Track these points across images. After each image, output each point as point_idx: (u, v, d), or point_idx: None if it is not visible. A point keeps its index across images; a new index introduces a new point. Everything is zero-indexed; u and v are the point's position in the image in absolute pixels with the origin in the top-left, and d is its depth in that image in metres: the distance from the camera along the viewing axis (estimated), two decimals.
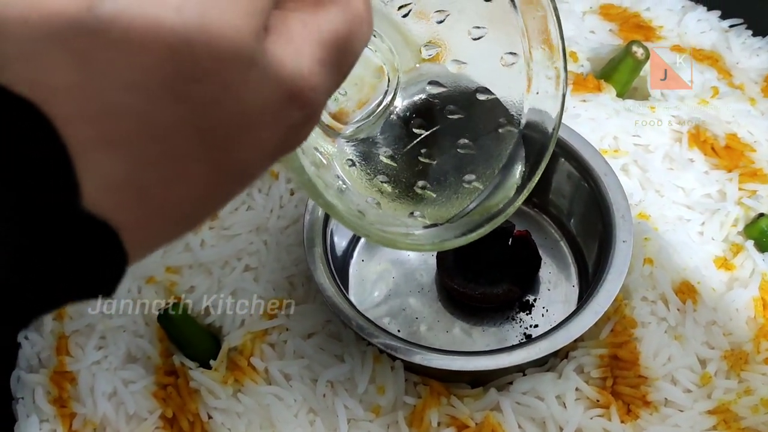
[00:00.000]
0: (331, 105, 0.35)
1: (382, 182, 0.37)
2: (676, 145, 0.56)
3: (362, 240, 0.55)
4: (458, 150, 0.38)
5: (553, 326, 0.45)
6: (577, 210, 0.53)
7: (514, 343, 0.46)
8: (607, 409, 0.45)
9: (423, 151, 0.37)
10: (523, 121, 0.37)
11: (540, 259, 0.52)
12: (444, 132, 0.38)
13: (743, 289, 0.48)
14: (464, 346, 0.50)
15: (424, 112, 0.37)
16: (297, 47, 0.19)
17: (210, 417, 0.46)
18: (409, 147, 0.37)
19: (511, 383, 0.46)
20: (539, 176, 0.37)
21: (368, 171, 0.37)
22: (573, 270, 0.53)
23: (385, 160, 0.37)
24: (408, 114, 0.37)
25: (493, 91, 0.37)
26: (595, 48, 0.63)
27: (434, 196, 0.37)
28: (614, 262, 0.46)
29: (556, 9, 0.33)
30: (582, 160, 0.51)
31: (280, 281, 0.51)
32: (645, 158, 0.54)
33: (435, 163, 0.38)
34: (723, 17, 0.66)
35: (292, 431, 0.45)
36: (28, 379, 0.49)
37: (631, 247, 0.47)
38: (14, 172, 0.15)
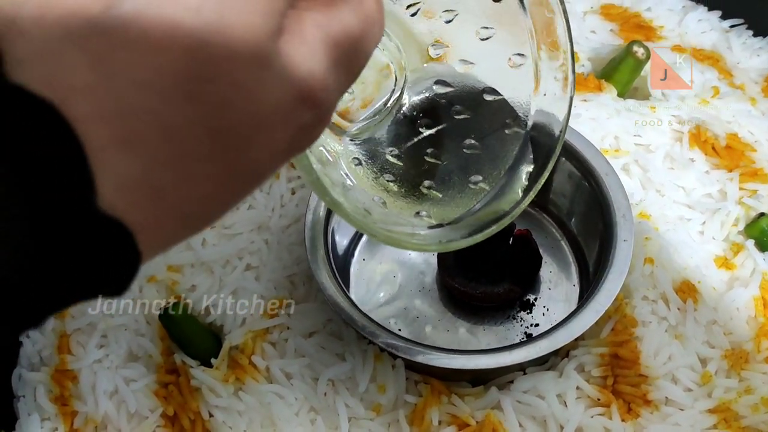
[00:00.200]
0: (338, 103, 0.35)
1: (388, 181, 0.37)
2: (676, 144, 0.56)
3: (363, 239, 0.55)
4: (464, 150, 0.38)
5: (553, 325, 0.45)
6: (578, 209, 0.53)
7: (515, 342, 0.46)
8: (608, 407, 0.45)
9: (429, 150, 0.37)
10: (530, 123, 0.37)
11: (541, 258, 0.52)
12: (450, 132, 0.38)
13: (744, 289, 0.48)
14: (465, 345, 0.50)
15: (430, 111, 0.37)
16: (310, 48, 0.19)
17: (211, 415, 0.46)
18: (415, 146, 0.37)
19: (511, 382, 0.46)
20: (545, 178, 0.37)
21: (374, 169, 0.37)
22: (574, 269, 0.53)
23: (391, 158, 0.37)
24: (414, 113, 0.37)
25: (500, 92, 0.36)
26: (596, 48, 0.63)
27: (440, 195, 0.37)
28: (615, 262, 0.46)
29: (565, 11, 0.33)
30: (583, 160, 0.51)
31: (281, 280, 0.51)
32: (646, 158, 0.54)
33: (441, 162, 0.38)
34: (724, 17, 0.66)
35: (293, 430, 0.45)
36: (30, 377, 0.49)
37: (632, 246, 0.47)
38: (31, 171, 0.15)
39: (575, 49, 0.61)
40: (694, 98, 0.58)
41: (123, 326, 0.50)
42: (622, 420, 0.44)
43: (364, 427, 0.45)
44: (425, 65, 0.37)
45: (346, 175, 0.35)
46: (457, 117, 0.37)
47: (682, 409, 0.45)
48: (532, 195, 0.37)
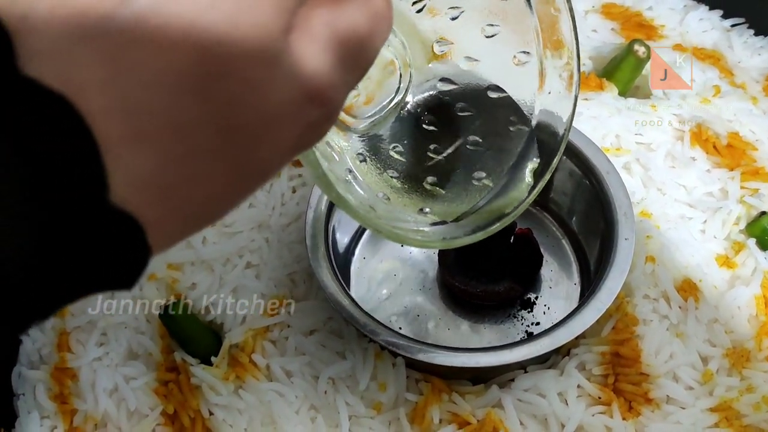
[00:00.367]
0: None
1: (391, 177, 0.37)
2: (678, 143, 0.56)
3: (364, 238, 0.55)
4: (468, 147, 0.38)
5: (554, 323, 0.45)
6: (579, 208, 0.53)
7: (516, 340, 0.46)
8: (609, 406, 0.45)
9: (432, 147, 0.37)
10: (534, 122, 0.36)
11: (542, 257, 0.52)
12: (454, 129, 0.38)
13: (745, 287, 0.48)
14: (466, 343, 0.50)
15: (434, 108, 0.37)
16: (319, 45, 0.19)
17: (211, 413, 0.46)
18: (418, 143, 0.37)
19: (512, 380, 0.46)
20: (549, 177, 0.37)
21: (378, 166, 0.36)
22: (575, 268, 0.53)
23: (394, 155, 0.37)
24: (418, 110, 0.37)
25: (504, 90, 0.36)
26: (597, 47, 0.63)
27: (443, 192, 0.37)
28: (616, 260, 0.46)
29: (571, 9, 0.33)
30: (584, 158, 0.51)
31: (282, 278, 0.51)
32: (647, 156, 0.54)
33: (444, 159, 0.38)
34: (725, 16, 0.66)
35: (293, 428, 0.45)
36: (29, 375, 0.49)
37: (633, 244, 0.47)
38: (45, 164, 0.15)
39: None
40: (695, 97, 0.58)
41: (123, 324, 0.50)
42: (623, 418, 0.44)
43: (365, 425, 0.45)
44: (429, 65, 0.36)
45: (350, 170, 0.35)
46: (461, 114, 0.37)
47: (683, 408, 0.45)
48: (535, 193, 0.37)
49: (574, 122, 0.53)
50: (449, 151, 0.38)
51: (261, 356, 0.47)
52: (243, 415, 0.46)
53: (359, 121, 0.36)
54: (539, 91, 0.36)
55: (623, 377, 0.45)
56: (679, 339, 0.47)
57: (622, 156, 0.54)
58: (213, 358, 0.48)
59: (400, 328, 0.50)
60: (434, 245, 0.40)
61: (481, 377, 0.46)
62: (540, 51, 0.35)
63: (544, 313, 0.51)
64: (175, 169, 0.18)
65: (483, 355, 0.44)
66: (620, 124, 0.56)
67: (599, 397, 0.45)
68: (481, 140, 0.37)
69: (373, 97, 0.35)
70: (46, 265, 0.16)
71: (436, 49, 0.36)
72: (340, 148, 0.35)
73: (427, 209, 0.37)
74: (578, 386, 0.45)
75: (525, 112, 0.36)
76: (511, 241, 0.50)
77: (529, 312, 0.51)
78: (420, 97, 0.37)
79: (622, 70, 0.59)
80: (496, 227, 0.36)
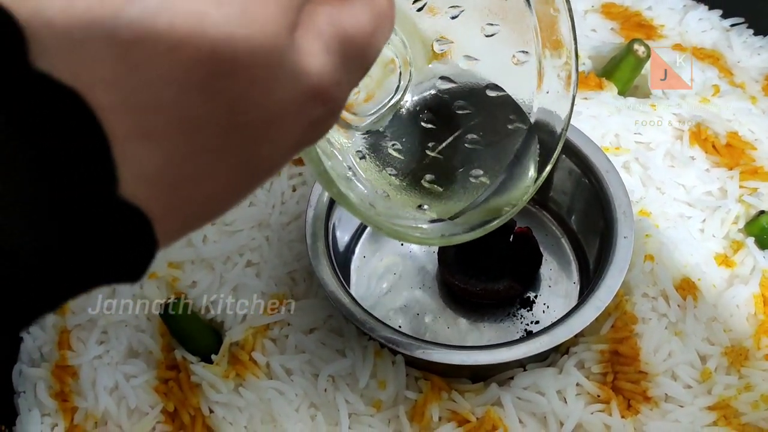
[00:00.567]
0: None
1: (390, 174, 0.37)
2: (677, 142, 0.56)
3: (364, 236, 0.55)
4: (466, 145, 0.38)
5: (553, 321, 0.45)
6: (578, 207, 0.53)
7: (515, 338, 0.46)
8: (608, 404, 0.45)
9: (430, 144, 0.38)
10: (532, 120, 0.37)
11: (541, 255, 0.52)
12: (452, 126, 0.38)
13: (744, 286, 0.48)
14: (465, 341, 0.50)
15: (433, 106, 0.37)
16: (323, 43, 0.19)
17: (211, 411, 0.46)
18: (416, 140, 0.37)
19: (511, 378, 0.46)
20: (547, 175, 0.37)
21: (377, 163, 0.37)
22: (574, 267, 0.53)
23: (393, 153, 0.37)
24: (417, 108, 0.37)
25: (503, 88, 0.37)
26: (597, 46, 0.63)
27: (441, 189, 0.38)
28: (615, 258, 0.46)
29: (570, 10, 0.33)
30: (583, 157, 0.51)
31: (282, 277, 0.51)
32: (646, 156, 0.54)
33: (443, 157, 0.38)
34: (724, 16, 0.66)
35: (293, 426, 0.45)
36: (30, 373, 0.49)
37: (632, 243, 0.47)
38: (56, 157, 0.15)
39: None
40: (694, 96, 0.59)
41: (123, 322, 0.50)
42: (622, 416, 0.44)
43: (365, 423, 0.45)
44: (429, 66, 0.37)
45: (350, 168, 0.35)
46: (459, 112, 0.37)
47: (681, 406, 0.45)
48: (533, 191, 0.37)
49: (573, 121, 0.53)
50: (447, 149, 0.38)
51: (261, 354, 0.47)
52: (243, 412, 0.46)
53: (359, 118, 0.36)
54: (538, 91, 0.36)
55: (622, 375, 0.46)
56: (678, 337, 0.47)
57: (621, 155, 0.54)
58: (213, 356, 0.48)
59: (400, 326, 0.50)
60: (433, 242, 0.40)
61: (480, 375, 0.47)
62: (539, 50, 0.35)
63: (544, 311, 0.51)
64: (180, 165, 0.18)
65: (482, 353, 0.44)
66: (620, 124, 0.56)
67: (598, 396, 0.45)
68: (479, 138, 0.38)
69: (374, 94, 0.36)
70: (56, 257, 0.16)
71: (436, 47, 0.36)
72: (340, 145, 0.35)
73: (426, 206, 0.37)
74: (577, 384, 0.45)
75: (523, 111, 0.37)
76: (511, 239, 0.50)
77: (528, 310, 0.51)
78: (419, 95, 0.37)
79: (622, 70, 0.59)
80: (495, 224, 0.36)
